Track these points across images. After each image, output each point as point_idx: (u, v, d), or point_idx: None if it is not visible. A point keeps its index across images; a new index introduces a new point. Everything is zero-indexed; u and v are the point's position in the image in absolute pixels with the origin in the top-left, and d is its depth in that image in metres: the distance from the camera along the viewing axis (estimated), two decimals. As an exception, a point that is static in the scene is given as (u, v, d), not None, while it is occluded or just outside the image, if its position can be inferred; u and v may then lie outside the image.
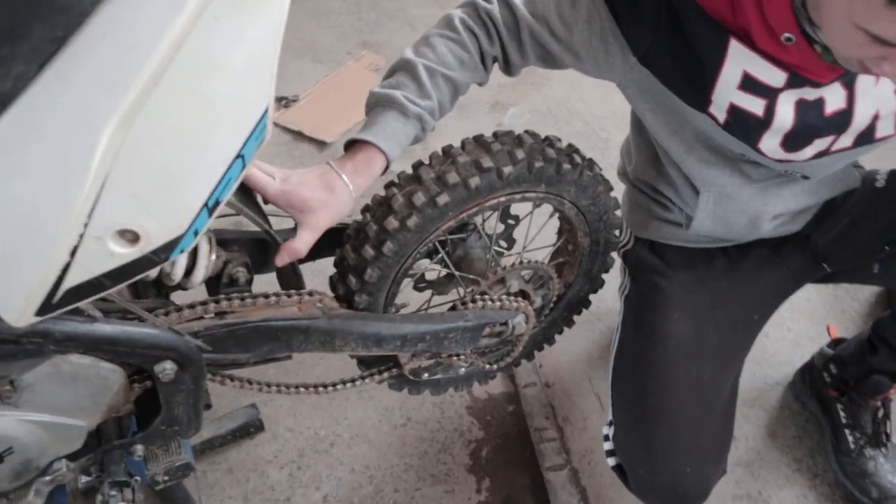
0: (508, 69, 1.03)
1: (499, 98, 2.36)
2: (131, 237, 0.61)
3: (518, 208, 1.16)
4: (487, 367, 1.23)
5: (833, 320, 1.78)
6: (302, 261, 1.09)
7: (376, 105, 0.93)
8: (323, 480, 1.43)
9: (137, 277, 0.65)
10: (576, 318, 1.37)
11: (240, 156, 0.65)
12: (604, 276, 1.31)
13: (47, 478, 0.83)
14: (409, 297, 1.32)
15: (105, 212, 0.56)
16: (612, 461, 1.20)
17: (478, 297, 1.09)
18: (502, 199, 1.06)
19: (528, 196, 1.08)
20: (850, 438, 1.44)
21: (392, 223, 0.99)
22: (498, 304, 1.09)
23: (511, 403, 1.56)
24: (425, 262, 1.18)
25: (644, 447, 1.05)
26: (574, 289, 1.29)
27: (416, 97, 0.93)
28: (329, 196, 0.90)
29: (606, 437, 1.23)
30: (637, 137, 1.20)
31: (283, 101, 2.31)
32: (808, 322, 1.76)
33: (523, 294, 1.17)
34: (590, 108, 2.33)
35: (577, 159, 1.09)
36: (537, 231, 1.22)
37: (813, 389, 1.54)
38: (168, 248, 0.65)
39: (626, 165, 1.26)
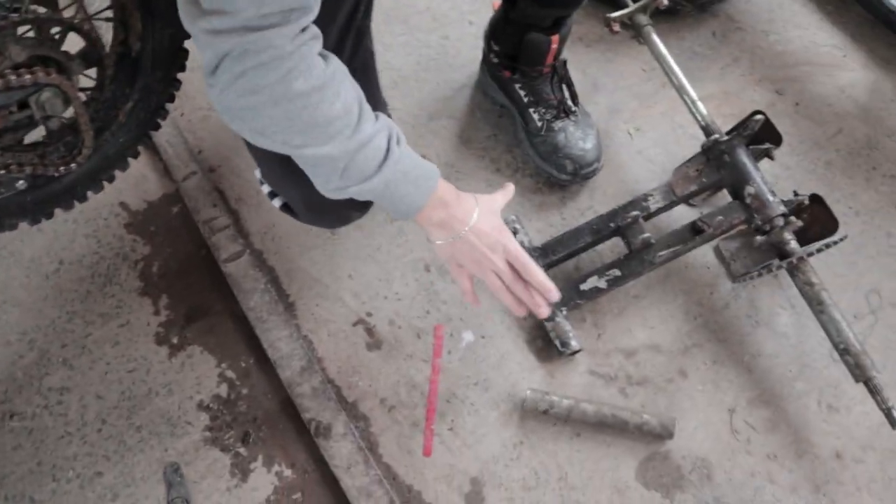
0: None
1: None
2: None
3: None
4: (54, 171, 0.96)
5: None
6: None
7: None
8: (-26, 366, 1.19)
9: None
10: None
11: None
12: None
13: None
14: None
15: None
16: (276, 202, 1.14)
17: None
18: None
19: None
20: (536, 116, 1.32)
21: None
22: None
23: (175, 204, 1.33)
24: None
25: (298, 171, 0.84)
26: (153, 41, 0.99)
27: None
28: None
29: (262, 181, 1.16)
30: None
31: None
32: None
33: (56, 64, 0.88)
34: None
35: None
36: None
37: (494, 78, 1.38)
38: None
39: None
